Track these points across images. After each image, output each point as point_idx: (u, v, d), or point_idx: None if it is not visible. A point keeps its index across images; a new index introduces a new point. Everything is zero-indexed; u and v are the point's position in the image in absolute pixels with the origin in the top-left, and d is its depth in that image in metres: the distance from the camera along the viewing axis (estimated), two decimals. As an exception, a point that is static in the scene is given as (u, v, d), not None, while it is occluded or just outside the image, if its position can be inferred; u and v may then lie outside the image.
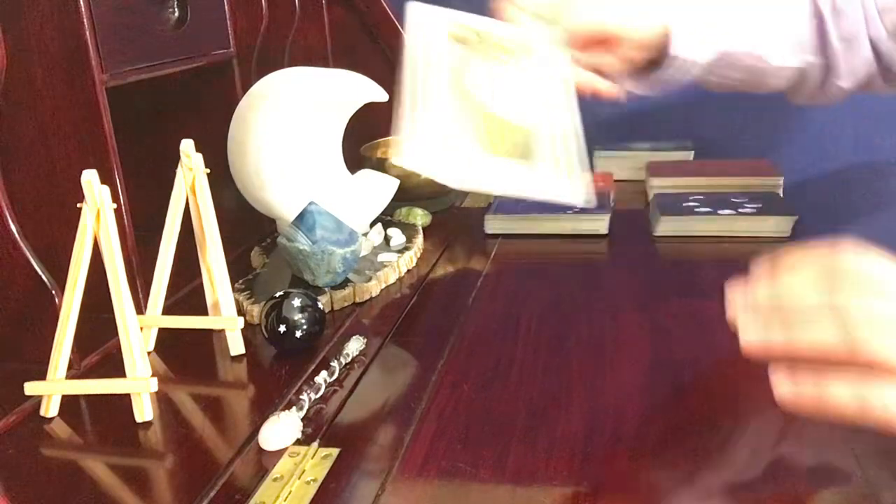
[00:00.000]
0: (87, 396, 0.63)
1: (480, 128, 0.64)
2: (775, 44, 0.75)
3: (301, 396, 0.60)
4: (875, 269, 0.43)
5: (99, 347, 0.69)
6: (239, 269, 0.84)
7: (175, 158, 0.69)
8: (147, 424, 0.60)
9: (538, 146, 0.66)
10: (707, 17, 0.73)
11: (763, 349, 0.44)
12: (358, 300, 0.80)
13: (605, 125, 1.41)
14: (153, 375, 0.61)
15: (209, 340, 0.73)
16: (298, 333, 0.68)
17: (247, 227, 0.70)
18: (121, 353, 0.61)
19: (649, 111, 1.37)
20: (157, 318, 0.70)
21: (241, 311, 0.74)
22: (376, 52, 1.25)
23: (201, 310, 0.72)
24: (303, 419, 0.58)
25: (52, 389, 0.61)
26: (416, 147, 0.61)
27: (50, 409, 0.61)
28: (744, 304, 0.46)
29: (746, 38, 0.75)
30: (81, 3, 0.65)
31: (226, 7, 0.88)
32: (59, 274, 0.62)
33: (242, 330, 0.70)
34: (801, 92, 0.79)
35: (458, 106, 0.64)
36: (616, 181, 1.11)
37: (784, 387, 0.43)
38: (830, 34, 0.73)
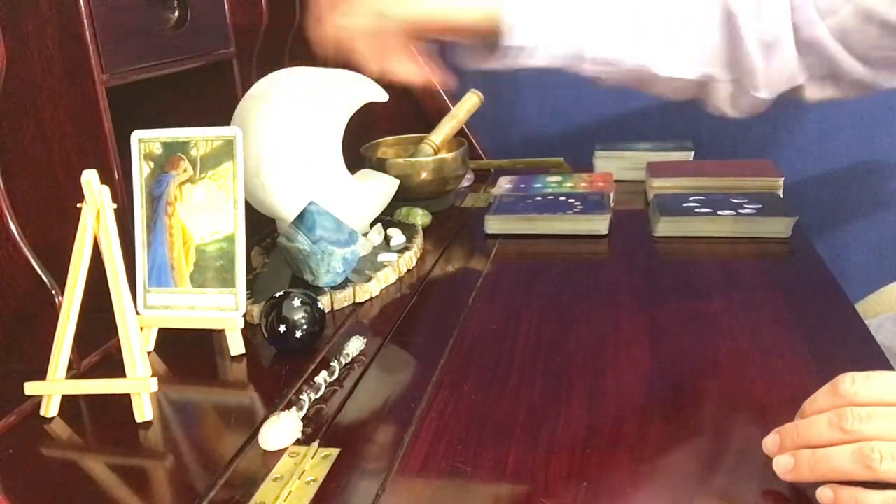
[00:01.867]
0: (87, 396, 0.63)
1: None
2: (663, 53, 0.72)
3: (301, 396, 0.60)
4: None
5: (99, 347, 0.69)
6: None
7: (175, 158, 0.69)
8: (147, 424, 0.60)
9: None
10: (563, 13, 0.71)
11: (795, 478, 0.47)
12: (358, 300, 0.80)
13: (605, 125, 1.41)
14: (153, 375, 0.61)
15: (209, 340, 0.73)
16: (298, 333, 0.68)
17: (247, 227, 0.69)
18: (121, 353, 0.61)
19: (649, 111, 1.37)
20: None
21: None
22: (376, 52, 1.25)
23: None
24: (303, 419, 0.58)
25: (52, 389, 0.61)
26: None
27: (50, 409, 0.61)
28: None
29: (622, 44, 0.72)
30: (81, 3, 0.65)
31: (226, 7, 0.88)
32: (59, 274, 0.62)
33: (242, 330, 0.70)
34: (709, 103, 0.76)
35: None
36: (616, 181, 1.11)
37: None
38: (748, 42, 0.69)
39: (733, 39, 0.70)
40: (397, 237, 0.92)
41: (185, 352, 0.71)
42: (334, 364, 0.64)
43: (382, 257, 0.87)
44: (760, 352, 0.66)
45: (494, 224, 0.98)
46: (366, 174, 0.98)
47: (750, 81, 0.71)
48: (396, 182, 0.96)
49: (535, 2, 0.72)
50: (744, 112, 0.76)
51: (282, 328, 0.68)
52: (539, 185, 1.09)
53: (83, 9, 0.65)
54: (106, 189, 0.61)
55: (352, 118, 0.91)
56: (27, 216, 0.69)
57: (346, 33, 0.76)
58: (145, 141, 0.70)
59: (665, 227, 0.94)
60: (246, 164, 0.83)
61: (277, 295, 0.70)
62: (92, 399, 0.63)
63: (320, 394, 0.61)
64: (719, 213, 0.93)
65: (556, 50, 0.71)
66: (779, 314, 0.72)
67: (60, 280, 0.62)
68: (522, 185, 1.09)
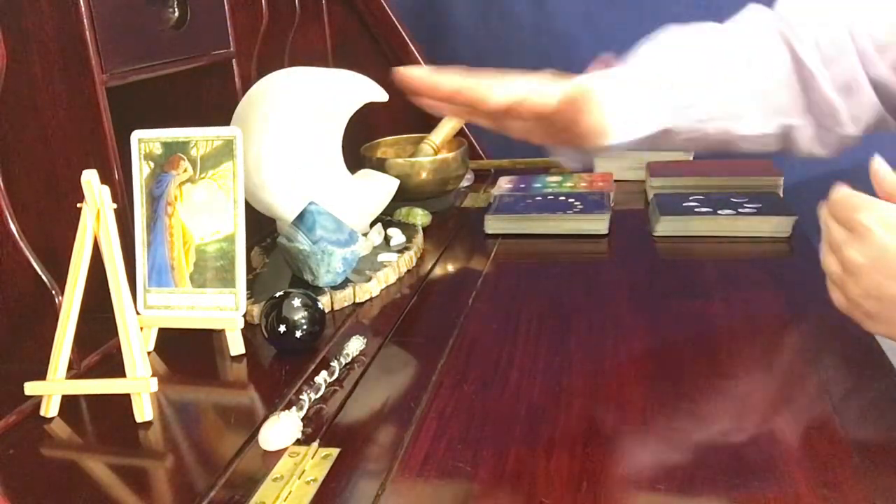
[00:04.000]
0: (87, 396, 0.63)
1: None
2: (742, 112, 0.71)
3: (301, 396, 0.60)
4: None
5: (99, 347, 0.69)
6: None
7: (175, 158, 0.69)
8: (147, 424, 0.60)
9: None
10: (650, 91, 0.69)
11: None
12: (358, 300, 0.80)
13: (605, 125, 1.41)
14: (153, 375, 0.61)
15: (209, 340, 0.73)
16: (298, 333, 0.68)
17: (247, 227, 0.70)
18: (121, 353, 0.61)
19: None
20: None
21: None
22: (376, 52, 1.25)
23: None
24: (303, 419, 0.58)
25: (52, 389, 0.61)
26: None
27: (50, 409, 0.61)
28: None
29: (701, 111, 0.70)
30: (81, 3, 0.65)
31: (226, 7, 0.88)
32: (59, 274, 0.62)
33: (242, 330, 0.70)
34: (795, 149, 0.75)
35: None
36: (616, 181, 1.11)
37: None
38: (823, 87, 0.70)
39: (809, 87, 0.70)
40: (397, 237, 0.92)
41: (185, 352, 0.71)
42: (334, 364, 0.64)
43: (382, 257, 0.87)
44: (760, 351, 0.66)
45: (494, 224, 0.98)
46: (366, 174, 0.98)
47: (834, 121, 0.72)
48: (396, 182, 0.96)
49: (622, 89, 0.70)
50: (834, 150, 0.75)
51: (282, 328, 0.68)
52: (539, 185, 1.09)
53: (83, 9, 0.65)
54: (106, 189, 0.61)
55: (352, 118, 0.91)
56: (27, 216, 0.69)
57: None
58: (145, 141, 0.70)
59: (665, 226, 0.94)
60: (246, 164, 0.83)
61: (277, 295, 0.70)
62: (92, 399, 0.63)
63: (320, 394, 0.61)
64: (719, 212, 0.93)
65: (647, 130, 0.70)
66: (779, 314, 0.72)
67: (60, 280, 0.62)
68: (522, 185, 1.09)
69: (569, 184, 1.09)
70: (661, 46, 0.73)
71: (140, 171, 0.71)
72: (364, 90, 0.90)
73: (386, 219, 0.99)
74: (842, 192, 0.57)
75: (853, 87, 0.70)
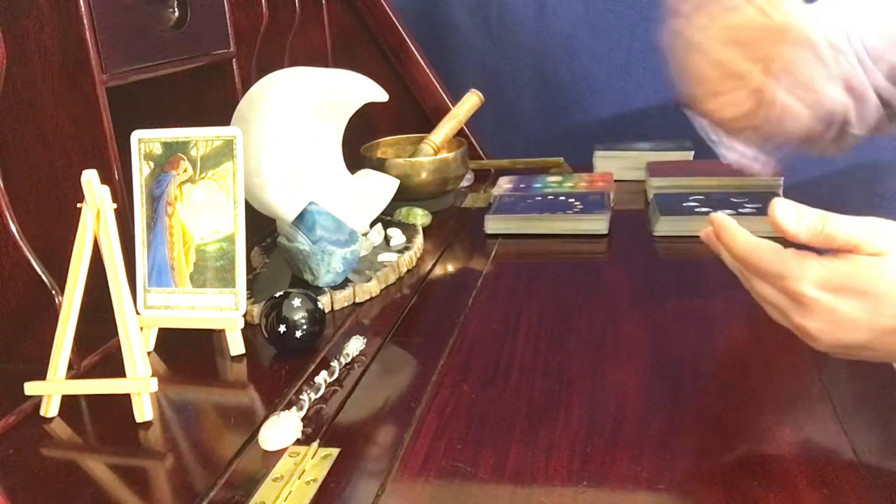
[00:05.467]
0: (87, 396, 0.63)
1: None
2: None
3: (301, 396, 0.60)
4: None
5: (99, 347, 0.69)
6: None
7: (175, 158, 0.69)
8: (147, 424, 0.60)
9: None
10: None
11: None
12: (358, 300, 0.80)
13: (605, 125, 1.41)
14: (153, 375, 0.61)
15: (209, 340, 0.73)
16: (298, 333, 0.68)
17: (247, 227, 0.70)
18: (121, 353, 0.61)
19: (649, 111, 1.37)
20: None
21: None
22: (376, 52, 1.25)
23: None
24: (303, 419, 0.58)
25: (52, 389, 0.61)
26: None
27: (50, 409, 0.61)
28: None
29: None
30: (81, 3, 0.65)
31: (226, 7, 0.88)
32: (59, 274, 0.62)
33: (242, 330, 0.70)
34: (822, 138, 0.75)
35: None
36: (616, 181, 1.11)
37: None
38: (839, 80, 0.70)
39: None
40: (397, 237, 0.92)
41: (185, 352, 0.71)
42: (334, 364, 0.64)
43: (382, 257, 0.87)
44: (760, 351, 0.66)
45: (494, 224, 0.98)
46: (366, 174, 0.98)
47: (848, 118, 0.72)
48: (396, 182, 0.96)
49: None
50: (842, 150, 0.76)
51: (282, 328, 0.68)
52: (539, 185, 1.09)
53: (83, 9, 0.65)
54: (106, 189, 0.61)
55: (352, 118, 0.91)
56: (27, 216, 0.69)
57: None
58: (145, 141, 0.70)
59: (665, 226, 0.94)
60: (246, 164, 0.83)
61: (277, 295, 0.70)
62: (92, 399, 0.63)
63: (320, 394, 0.61)
64: (719, 212, 0.93)
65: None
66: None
67: (60, 280, 0.62)
68: (522, 185, 1.09)
69: (569, 184, 1.09)
70: None
71: (140, 171, 0.71)
72: (364, 90, 0.90)
73: (386, 219, 0.99)
74: (757, 252, 0.53)
75: (861, 90, 0.70)
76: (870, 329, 0.49)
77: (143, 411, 0.60)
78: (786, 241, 0.51)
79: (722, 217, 0.56)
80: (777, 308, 0.53)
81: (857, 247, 0.49)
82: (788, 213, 0.51)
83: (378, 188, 0.95)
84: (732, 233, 0.55)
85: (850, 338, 0.50)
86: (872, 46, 0.69)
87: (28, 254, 0.63)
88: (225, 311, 0.69)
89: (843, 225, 0.50)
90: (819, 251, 0.50)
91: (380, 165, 1.03)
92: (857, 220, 0.50)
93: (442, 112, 1.17)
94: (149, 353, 0.70)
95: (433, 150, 1.09)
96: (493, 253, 0.93)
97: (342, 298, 0.79)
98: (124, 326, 0.61)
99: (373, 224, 0.94)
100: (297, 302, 0.68)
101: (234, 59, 0.91)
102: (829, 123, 0.72)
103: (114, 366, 0.64)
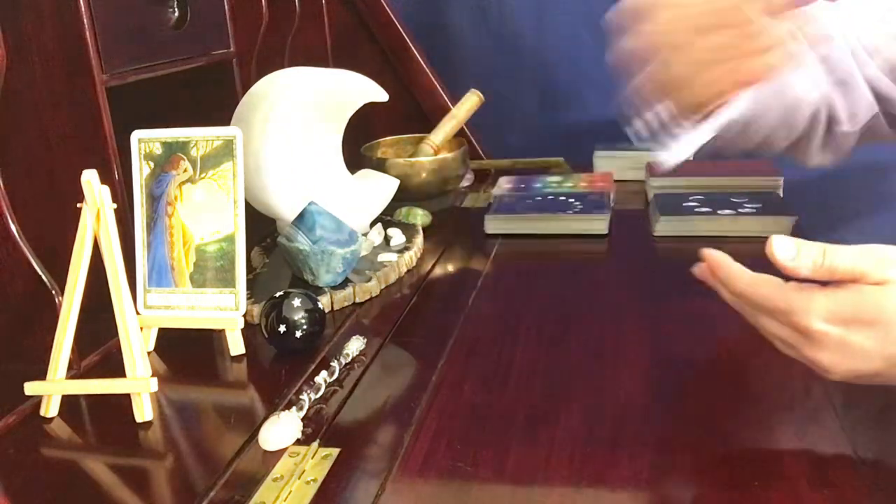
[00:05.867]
0: (87, 396, 0.63)
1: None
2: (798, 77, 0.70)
3: (301, 396, 0.60)
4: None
5: (99, 347, 0.69)
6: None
7: (175, 158, 0.69)
8: (147, 424, 0.60)
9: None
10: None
11: None
12: (358, 300, 0.80)
13: (605, 125, 1.41)
14: (153, 375, 0.61)
15: (209, 340, 0.73)
16: (298, 333, 0.68)
17: (247, 227, 0.70)
18: (121, 353, 0.61)
19: (649, 111, 1.37)
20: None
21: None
22: (376, 52, 1.25)
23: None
24: (303, 419, 0.58)
25: (52, 389, 0.61)
26: None
27: (50, 409, 0.61)
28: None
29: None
30: (81, 3, 0.65)
31: (226, 7, 0.89)
32: (59, 274, 0.62)
33: (242, 330, 0.70)
34: (812, 144, 0.75)
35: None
36: (616, 181, 1.11)
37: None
38: (820, 81, 0.70)
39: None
40: (397, 237, 0.92)
41: (185, 352, 0.71)
42: (334, 364, 0.64)
43: (382, 257, 0.87)
44: (760, 351, 0.65)
45: (494, 224, 0.98)
46: (366, 174, 0.98)
47: (834, 116, 0.72)
48: (396, 182, 0.96)
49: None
50: (835, 155, 0.75)
51: (282, 328, 0.68)
52: (539, 185, 1.09)
53: (83, 9, 0.65)
54: (106, 189, 0.61)
55: (352, 118, 0.91)
56: (27, 216, 0.69)
57: None
58: (145, 141, 0.70)
59: (665, 226, 0.94)
60: (246, 164, 0.83)
61: (277, 295, 0.70)
62: (92, 399, 0.63)
63: (320, 394, 0.61)
64: (719, 212, 0.93)
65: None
66: (779, 314, 0.72)
67: (60, 280, 0.62)
68: (522, 185, 1.09)
69: (569, 184, 1.09)
70: None
71: (140, 171, 0.71)
72: (364, 90, 0.90)
73: (386, 219, 0.99)
74: (759, 288, 0.52)
75: (849, 82, 0.69)
76: (882, 357, 0.49)
77: (143, 411, 0.60)
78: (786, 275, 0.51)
79: (715, 254, 0.56)
80: (786, 343, 0.53)
81: (862, 276, 0.49)
82: (786, 250, 0.51)
83: (378, 188, 0.95)
84: (729, 270, 0.54)
85: (863, 367, 0.50)
86: (868, 40, 0.68)
87: (28, 254, 0.63)
88: (225, 311, 0.69)
89: (844, 256, 0.50)
90: (822, 282, 0.50)
91: (380, 165, 1.03)
92: (858, 250, 0.50)
93: (442, 112, 1.17)
94: (149, 353, 0.70)
95: (433, 150, 1.09)
96: (493, 253, 0.93)
97: (342, 298, 0.79)
98: (124, 326, 0.61)
99: (373, 224, 0.94)
100: (297, 302, 0.68)
101: (234, 59, 0.91)
102: (813, 122, 0.72)
103: (114, 366, 0.64)
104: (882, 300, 0.48)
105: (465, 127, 1.16)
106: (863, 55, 0.69)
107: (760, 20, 0.53)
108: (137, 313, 0.66)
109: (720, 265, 0.55)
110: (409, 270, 0.87)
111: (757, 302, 0.53)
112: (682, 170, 1.09)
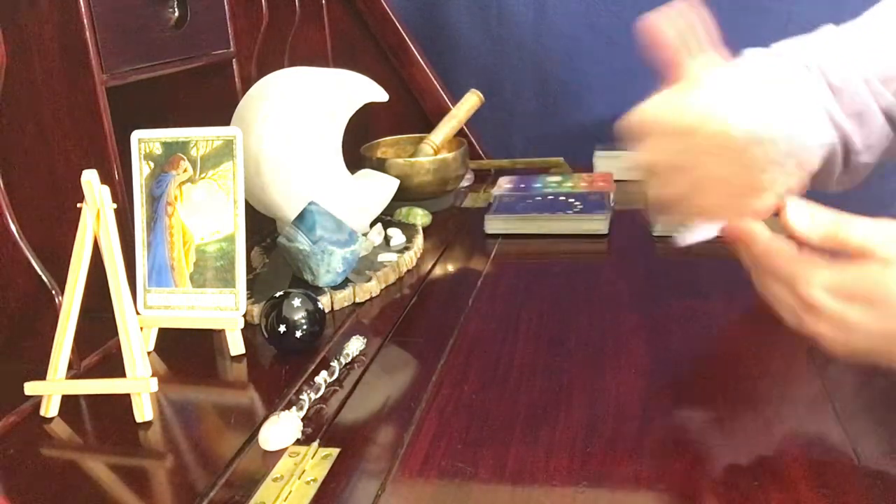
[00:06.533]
0: (87, 396, 0.63)
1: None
2: (808, 121, 0.68)
3: (301, 396, 0.60)
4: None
5: (99, 347, 0.69)
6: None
7: (175, 158, 0.69)
8: (147, 424, 0.60)
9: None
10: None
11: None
12: (358, 300, 0.80)
13: (605, 125, 1.41)
14: (153, 375, 0.61)
15: (209, 340, 0.73)
16: (298, 333, 0.68)
17: (247, 227, 0.70)
18: (121, 353, 0.61)
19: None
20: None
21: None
22: (376, 52, 1.25)
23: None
24: (303, 419, 0.58)
25: (52, 389, 0.61)
26: None
27: (50, 409, 0.61)
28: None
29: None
30: (81, 3, 0.65)
31: (226, 7, 0.88)
32: (59, 274, 0.62)
33: (242, 330, 0.70)
34: (833, 176, 0.74)
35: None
36: (616, 181, 1.11)
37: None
38: (835, 113, 0.69)
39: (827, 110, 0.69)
40: (397, 237, 0.92)
41: (185, 352, 0.71)
42: (334, 364, 0.64)
43: (382, 257, 0.87)
44: (760, 351, 0.65)
45: (494, 224, 0.98)
46: (366, 174, 0.98)
47: (851, 147, 0.71)
48: (396, 182, 0.96)
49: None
50: (855, 181, 0.75)
51: (282, 328, 0.68)
52: (539, 185, 1.09)
53: (83, 9, 0.65)
54: (106, 189, 0.61)
55: (352, 118, 0.91)
56: (27, 216, 0.69)
57: None
58: (145, 141, 0.70)
59: (665, 226, 0.93)
60: (246, 164, 0.83)
61: (277, 295, 0.70)
62: (92, 399, 0.63)
63: (320, 394, 0.61)
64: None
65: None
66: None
67: (60, 280, 0.62)
68: (522, 185, 1.09)
69: (569, 184, 1.09)
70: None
71: (140, 171, 0.71)
72: (364, 90, 0.90)
73: (386, 219, 0.99)
74: (772, 253, 0.52)
75: (864, 113, 0.69)
76: (882, 335, 0.49)
77: (143, 411, 0.60)
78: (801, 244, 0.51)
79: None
80: (789, 311, 0.53)
81: (872, 251, 0.49)
82: (801, 215, 0.51)
83: (378, 188, 0.95)
84: (753, 230, 0.54)
85: (863, 344, 0.50)
86: (881, 69, 0.68)
87: (28, 254, 0.63)
88: (225, 311, 0.69)
89: (858, 228, 0.49)
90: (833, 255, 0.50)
91: (380, 165, 1.03)
92: (872, 224, 0.49)
93: (442, 112, 1.17)
94: (149, 353, 0.70)
95: (433, 150, 1.09)
96: (493, 253, 0.93)
97: (342, 298, 0.79)
98: (124, 326, 0.61)
99: (373, 224, 0.94)
100: (297, 302, 0.68)
101: (234, 59, 0.91)
102: (831, 159, 0.71)
103: (114, 366, 0.64)
104: (885, 280, 0.48)
105: (465, 127, 1.16)
106: (876, 84, 0.69)
107: (765, 164, 0.51)
108: (137, 313, 0.66)
109: (742, 227, 0.54)
110: (409, 270, 0.87)
111: (767, 267, 0.53)
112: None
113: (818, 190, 0.75)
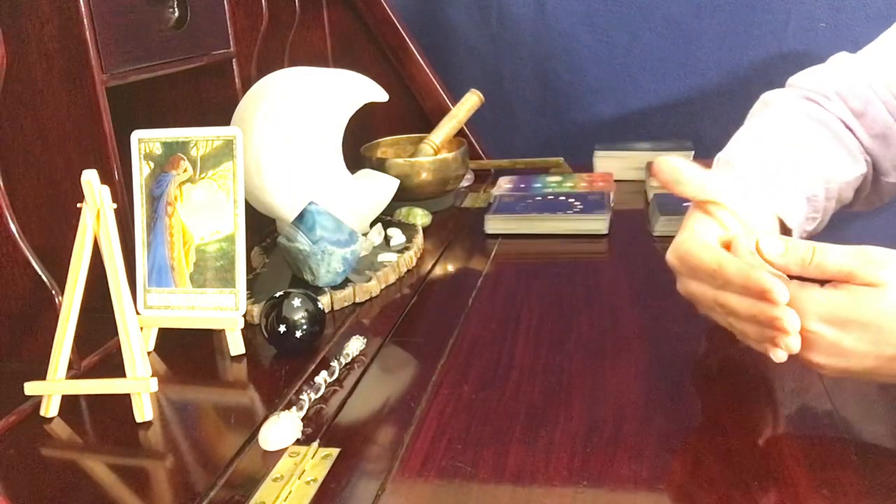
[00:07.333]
0: (87, 396, 0.63)
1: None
2: (841, 159, 0.71)
3: (301, 396, 0.60)
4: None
5: (99, 347, 0.69)
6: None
7: (175, 158, 0.69)
8: (147, 424, 0.60)
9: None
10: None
11: None
12: (358, 300, 0.80)
13: (605, 125, 1.41)
14: (153, 375, 0.61)
15: (209, 340, 0.73)
16: (298, 333, 0.68)
17: (247, 227, 0.70)
18: (121, 353, 0.61)
19: (649, 111, 1.37)
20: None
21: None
22: (376, 52, 1.25)
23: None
24: (303, 419, 0.58)
25: (52, 389, 0.61)
26: None
27: (50, 409, 0.61)
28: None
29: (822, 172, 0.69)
30: (81, 3, 0.65)
31: (226, 7, 0.88)
32: (59, 274, 0.62)
33: (242, 330, 0.70)
34: (861, 195, 0.76)
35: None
36: (616, 181, 1.11)
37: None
38: (861, 137, 0.71)
39: (847, 142, 0.71)
40: (397, 237, 0.92)
41: (185, 352, 0.71)
42: (334, 364, 0.64)
43: (382, 257, 0.87)
44: (759, 351, 0.65)
45: (494, 224, 0.98)
46: (366, 174, 0.98)
47: (879, 168, 0.73)
48: (396, 182, 0.96)
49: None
50: (881, 200, 0.77)
51: (282, 328, 0.68)
52: (539, 185, 1.09)
53: (83, 9, 0.65)
54: (106, 189, 0.61)
55: (352, 118, 0.91)
56: (27, 216, 0.69)
57: None
58: (145, 141, 0.70)
59: (665, 226, 0.94)
60: (246, 164, 0.83)
61: (277, 295, 0.70)
62: (92, 399, 0.63)
63: (320, 394, 0.61)
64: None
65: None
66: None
67: (60, 280, 0.62)
68: (522, 185, 1.09)
69: (569, 184, 1.09)
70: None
71: (140, 171, 0.71)
72: (364, 90, 0.90)
73: (386, 219, 0.99)
74: (754, 276, 0.51)
75: (888, 135, 0.71)
76: (875, 357, 0.50)
77: (143, 411, 0.60)
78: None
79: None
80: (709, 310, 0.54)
81: (850, 276, 0.49)
82: (774, 247, 0.51)
83: (378, 188, 0.95)
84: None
85: (857, 366, 0.51)
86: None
87: (28, 254, 0.63)
88: (225, 311, 0.69)
89: (833, 255, 0.50)
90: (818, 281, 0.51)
91: (380, 165, 1.03)
92: (847, 250, 0.50)
93: (442, 112, 1.17)
94: (149, 353, 0.70)
95: (433, 150, 1.09)
96: (493, 253, 0.93)
97: (342, 298, 0.79)
98: (124, 326, 0.61)
99: (373, 224, 0.94)
100: (297, 302, 0.68)
101: (234, 59, 0.91)
102: (861, 182, 0.72)
103: (114, 366, 0.64)
104: (876, 304, 0.49)
105: (465, 127, 1.16)
106: (894, 104, 0.70)
107: (786, 311, 0.50)
108: (137, 313, 0.66)
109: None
110: (409, 270, 0.87)
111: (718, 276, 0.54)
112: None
113: (844, 210, 0.77)
